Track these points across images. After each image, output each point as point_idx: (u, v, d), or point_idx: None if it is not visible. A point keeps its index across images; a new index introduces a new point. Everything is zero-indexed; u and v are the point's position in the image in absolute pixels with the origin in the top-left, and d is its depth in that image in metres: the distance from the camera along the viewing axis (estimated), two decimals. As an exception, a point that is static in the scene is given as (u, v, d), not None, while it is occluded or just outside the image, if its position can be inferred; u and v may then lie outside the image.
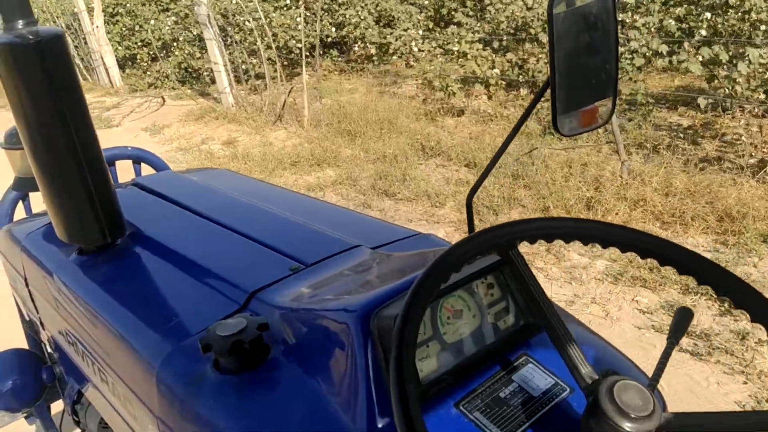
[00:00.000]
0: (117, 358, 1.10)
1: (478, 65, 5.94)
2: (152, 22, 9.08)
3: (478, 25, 7.16)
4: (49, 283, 1.34)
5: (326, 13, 8.58)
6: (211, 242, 1.27)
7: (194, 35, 8.91)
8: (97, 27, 8.73)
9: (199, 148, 6.18)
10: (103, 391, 1.21)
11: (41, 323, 1.55)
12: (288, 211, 1.37)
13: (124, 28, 9.79)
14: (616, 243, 0.80)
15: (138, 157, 1.96)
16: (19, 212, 1.81)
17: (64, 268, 1.31)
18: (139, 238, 1.34)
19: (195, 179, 1.69)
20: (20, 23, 1.10)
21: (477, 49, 6.15)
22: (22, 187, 1.70)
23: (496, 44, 6.65)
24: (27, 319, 1.74)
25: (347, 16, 8.33)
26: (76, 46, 9.87)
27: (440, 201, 4.13)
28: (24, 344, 1.78)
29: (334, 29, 8.32)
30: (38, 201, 1.40)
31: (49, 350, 1.64)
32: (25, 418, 1.79)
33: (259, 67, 7.51)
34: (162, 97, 8.19)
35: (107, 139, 7.14)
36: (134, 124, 7.45)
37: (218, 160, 5.75)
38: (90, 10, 9.08)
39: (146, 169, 1.96)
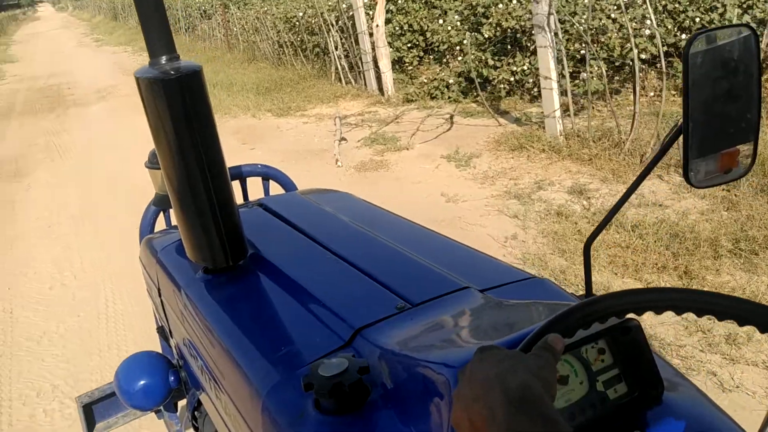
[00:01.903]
0: (229, 379, 1.14)
1: None
2: (441, 21, 7.68)
3: None
4: (176, 297, 1.41)
5: (666, 15, 6.58)
6: (324, 272, 1.30)
7: (485, 38, 7.38)
8: (377, 26, 7.52)
9: (540, 199, 4.54)
10: (217, 406, 1.25)
11: (170, 331, 1.63)
12: (402, 242, 1.37)
13: (397, 27, 8.55)
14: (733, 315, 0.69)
15: (267, 175, 2.03)
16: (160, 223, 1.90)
17: (190, 285, 1.37)
18: (258, 261, 1.40)
19: (316, 202, 1.74)
20: (164, 59, 1.18)
21: None
22: (161, 203, 1.76)
23: None
24: (159, 325, 1.83)
25: (696, 20, 6.29)
26: (343, 44, 8.83)
27: None
28: (157, 347, 1.88)
29: (682, 35, 6.31)
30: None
31: (176, 355, 1.67)
32: (155, 413, 1.85)
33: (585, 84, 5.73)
34: (450, 115, 6.74)
35: (400, 167, 5.76)
36: (428, 147, 6.05)
37: (584, 225, 4.02)
38: (368, 7, 7.93)
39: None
